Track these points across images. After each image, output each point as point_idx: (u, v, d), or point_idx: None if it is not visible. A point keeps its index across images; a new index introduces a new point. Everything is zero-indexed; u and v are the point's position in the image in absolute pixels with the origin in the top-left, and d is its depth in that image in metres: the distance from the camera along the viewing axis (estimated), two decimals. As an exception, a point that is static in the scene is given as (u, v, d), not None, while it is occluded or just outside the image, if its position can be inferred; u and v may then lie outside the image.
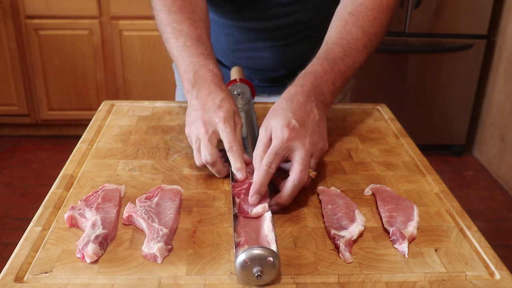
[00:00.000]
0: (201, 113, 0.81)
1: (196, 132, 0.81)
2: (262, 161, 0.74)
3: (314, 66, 0.85)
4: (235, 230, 0.69)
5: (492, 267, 0.66)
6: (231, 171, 0.81)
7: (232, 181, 0.79)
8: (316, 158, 0.77)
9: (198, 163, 0.82)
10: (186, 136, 0.84)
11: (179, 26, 0.92)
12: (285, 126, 0.75)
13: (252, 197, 0.72)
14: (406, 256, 0.67)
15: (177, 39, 0.91)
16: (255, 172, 0.75)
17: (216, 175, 0.83)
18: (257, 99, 1.16)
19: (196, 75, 0.86)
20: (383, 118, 1.09)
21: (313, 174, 0.77)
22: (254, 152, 0.77)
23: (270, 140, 0.76)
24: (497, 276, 0.64)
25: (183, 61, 0.89)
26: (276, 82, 1.20)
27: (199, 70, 0.87)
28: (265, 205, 0.71)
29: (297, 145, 0.74)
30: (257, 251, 0.60)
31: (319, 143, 0.78)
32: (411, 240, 0.70)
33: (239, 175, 0.78)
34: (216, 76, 0.87)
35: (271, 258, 0.60)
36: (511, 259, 2.12)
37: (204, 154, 0.79)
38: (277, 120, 0.76)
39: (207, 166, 0.81)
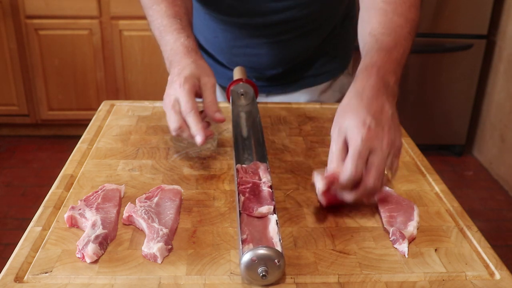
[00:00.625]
0: (168, 86, 0.85)
1: (165, 105, 0.84)
2: (346, 168, 0.68)
3: (372, 57, 0.79)
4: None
5: (492, 267, 0.66)
6: (235, 165, 0.81)
7: (236, 178, 0.79)
8: (395, 156, 0.72)
9: (172, 133, 0.83)
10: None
11: (158, 7, 0.96)
12: (361, 126, 0.69)
13: (346, 196, 0.70)
14: (406, 256, 0.67)
15: (156, 20, 0.95)
16: (342, 177, 0.69)
17: (191, 140, 0.82)
18: (257, 98, 1.16)
19: (171, 52, 0.89)
20: (383, 118, 1.09)
21: (391, 176, 0.72)
22: (330, 157, 0.72)
23: (345, 143, 0.71)
24: (497, 276, 0.65)
25: (162, 41, 0.93)
26: (274, 81, 1.20)
27: (173, 46, 0.90)
28: (270, 206, 0.71)
29: (375, 145, 0.69)
30: (264, 251, 0.60)
31: (397, 141, 0.72)
32: (411, 240, 0.70)
33: (198, 138, 0.79)
34: (185, 48, 0.89)
35: (277, 260, 0.60)
36: (511, 259, 2.12)
37: (170, 123, 0.82)
38: (351, 120, 0.71)
39: (179, 134, 0.82)
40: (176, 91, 0.82)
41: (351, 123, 0.70)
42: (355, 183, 0.69)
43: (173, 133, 0.83)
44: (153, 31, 0.97)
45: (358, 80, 0.77)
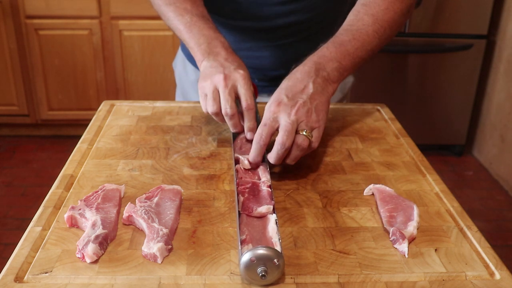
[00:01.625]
0: (221, 69, 0.86)
1: (215, 83, 0.85)
2: (256, 135, 0.80)
3: (321, 49, 0.90)
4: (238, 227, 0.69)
5: (492, 267, 0.66)
6: (234, 165, 0.82)
7: (236, 179, 0.79)
8: (309, 125, 0.81)
9: (211, 110, 0.86)
10: (199, 88, 0.88)
11: (182, 5, 0.97)
12: (274, 101, 0.81)
13: (247, 166, 0.80)
14: (406, 256, 0.67)
15: (183, 16, 0.96)
16: (254, 142, 0.80)
17: (231, 128, 0.88)
18: (257, 98, 1.16)
19: (210, 45, 0.91)
20: (383, 118, 1.09)
21: (308, 135, 0.81)
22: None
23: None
24: (497, 276, 0.64)
25: (193, 34, 0.93)
26: (276, 82, 1.19)
27: (212, 41, 0.91)
28: (269, 206, 0.71)
29: (282, 115, 0.80)
30: (263, 251, 0.60)
31: (309, 113, 0.81)
32: (411, 240, 0.70)
33: (249, 135, 0.85)
34: (229, 47, 0.92)
35: (276, 260, 0.60)
36: (511, 259, 2.12)
37: (224, 106, 0.84)
38: (271, 98, 0.83)
39: (225, 117, 0.86)
40: (238, 80, 0.85)
41: (270, 100, 0.83)
42: (261, 152, 0.80)
43: (212, 111, 0.86)
44: (175, 25, 0.97)
45: (300, 64, 0.88)
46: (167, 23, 1.01)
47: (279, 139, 0.79)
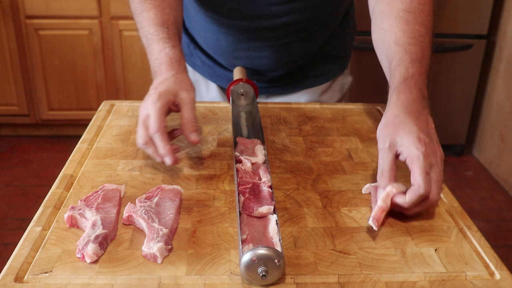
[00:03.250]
0: (145, 98, 0.83)
1: (139, 117, 0.82)
2: (419, 185, 0.70)
3: (408, 69, 0.81)
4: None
5: (492, 267, 0.66)
6: (235, 165, 0.81)
7: (236, 178, 0.79)
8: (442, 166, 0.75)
9: (138, 146, 0.82)
10: None
11: (147, 14, 0.95)
12: (418, 142, 0.72)
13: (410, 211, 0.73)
14: (375, 228, 0.69)
15: (144, 27, 0.95)
16: (414, 194, 0.71)
17: (156, 158, 0.81)
18: (257, 99, 1.16)
19: (155, 62, 0.89)
20: (383, 118, 1.09)
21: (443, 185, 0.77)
22: (381, 171, 0.75)
23: (396, 157, 0.74)
24: (497, 276, 0.65)
25: (148, 50, 0.93)
26: (275, 83, 1.20)
27: (158, 56, 0.89)
28: (270, 206, 0.71)
29: (433, 161, 0.72)
30: (264, 251, 0.60)
31: (442, 153, 0.75)
32: (382, 213, 0.71)
33: (167, 160, 0.79)
34: (169, 58, 0.88)
35: (277, 260, 0.60)
36: (511, 259, 2.12)
37: (137, 137, 0.81)
38: (405, 135, 0.73)
39: (144, 149, 0.82)
40: (148, 107, 0.80)
41: (406, 138, 0.73)
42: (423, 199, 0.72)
43: (139, 146, 0.81)
44: (141, 39, 0.96)
45: (402, 93, 0.78)
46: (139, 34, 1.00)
47: (435, 196, 0.71)
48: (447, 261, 0.66)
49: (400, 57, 0.84)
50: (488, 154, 2.91)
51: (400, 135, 0.74)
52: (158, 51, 0.90)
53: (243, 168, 0.81)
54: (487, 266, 0.66)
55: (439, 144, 0.76)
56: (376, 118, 1.09)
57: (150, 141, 0.80)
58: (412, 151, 0.72)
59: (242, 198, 0.73)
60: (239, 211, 0.71)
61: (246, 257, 0.60)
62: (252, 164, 0.82)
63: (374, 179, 0.85)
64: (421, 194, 0.70)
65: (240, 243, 0.65)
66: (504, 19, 2.75)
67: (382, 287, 0.62)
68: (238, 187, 0.76)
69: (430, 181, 0.71)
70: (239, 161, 0.83)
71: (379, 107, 1.14)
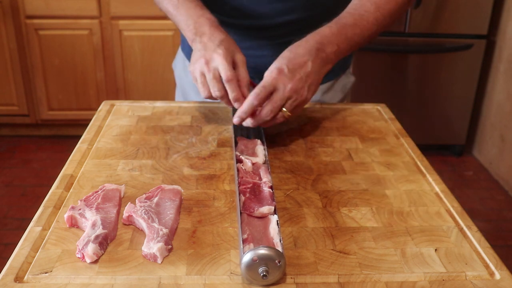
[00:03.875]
0: (203, 52, 0.89)
1: (199, 69, 0.89)
2: (249, 97, 0.85)
3: (324, 28, 0.94)
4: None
5: (492, 267, 0.66)
6: (235, 165, 0.81)
7: (237, 178, 0.79)
8: (296, 102, 0.87)
9: (204, 95, 0.90)
10: (190, 72, 0.91)
11: None
12: (275, 68, 0.87)
13: (234, 119, 0.87)
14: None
15: None
16: (244, 104, 0.86)
17: (227, 105, 0.91)
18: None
19: (196, 24, 0.94)
20: (383, 118, 1.09)
21: (287, 114, 0.88)
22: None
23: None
24: (497, 276, 0.65)
25: (181, 16, 0.98)
26: None
27: (197, 20, 0.95)
28: (270, 207, 0.71)
29: (280, 85, 0.86)
30: (265, 251, 0.60)
31: (302, 91, 0.87)
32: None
33: (237, 105, 0.88)
34: (214, 22, 0.95)
35: (278, 260, 0.60)
36: (511, 259, 2.12)
37: (213, 90, 0.88)
38: (273, 64, 0.88)
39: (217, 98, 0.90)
40: (216, 60, 0.87)
41: (272, 66, 0.88)
42: (252, 111, 0.86)
43: (206, 96, 0.89)
44: (165, 8, 1.02)
45: (300, 40, 0.92)
46: (159, 6, 1.05)
47: (263, 112, 0.86)
48: (447, 261, 0.66)
49: (334, 20, 0.96)
50: (488, 154, 2.91)
51: (273, 64, 0.88)
52: (197, 16, 0.95)
53: (243, 168, 0.81)
54: (487, 266, 0.66)
55: (308, 86, 0.88)
56: (376, 118, 1.09)
57: (225, 92, 0.88)
58: (267, 73, 0.87)
59: (242, 198, 0.73)
60: (240, 211, 0.71)
61: (247, 257, 0.60)
62: (253, 164, 0.82)
63: (374, 179, 0.85)
64: (247, 104, 0.85)
65: (241, 242, 0.65)
66: (504, 19, 2.75)
67: (382, 287, 0.62)
68: (238, 187, 0.76)
69: (261, 98, 0.85)
70: (239, 161, 0.83)
71: (379, 107, 1.14)
